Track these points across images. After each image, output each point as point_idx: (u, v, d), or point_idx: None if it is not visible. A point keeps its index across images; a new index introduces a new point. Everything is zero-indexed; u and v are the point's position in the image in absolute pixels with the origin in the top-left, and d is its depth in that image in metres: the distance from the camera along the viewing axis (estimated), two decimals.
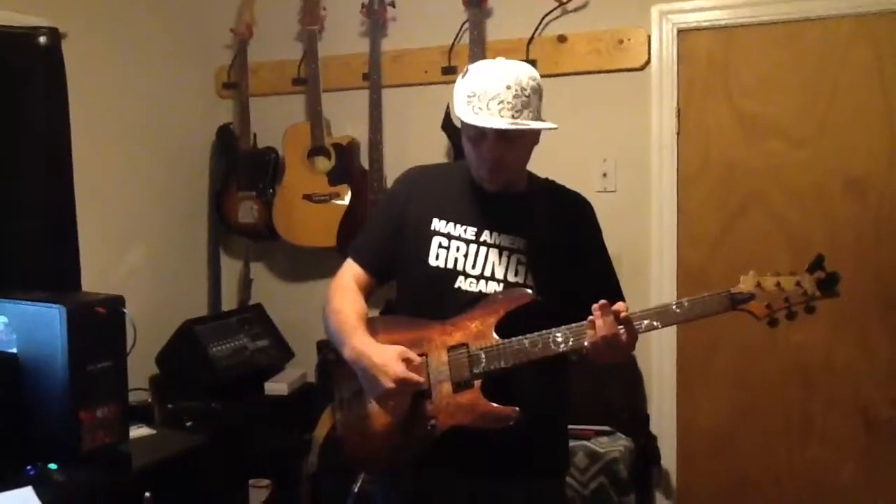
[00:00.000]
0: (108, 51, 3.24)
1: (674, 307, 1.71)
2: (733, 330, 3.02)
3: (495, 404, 1.75)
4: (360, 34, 3.48)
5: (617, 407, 3.00)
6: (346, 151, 3.44)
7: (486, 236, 1.85)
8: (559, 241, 1.86)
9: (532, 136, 1.83)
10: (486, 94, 1.72)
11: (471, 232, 1.86)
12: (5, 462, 2.18)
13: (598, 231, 1.97)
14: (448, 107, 3.16)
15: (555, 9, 3.18)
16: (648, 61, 3.10)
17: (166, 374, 3.34)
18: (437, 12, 3.35)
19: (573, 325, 1.72)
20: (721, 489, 3.14)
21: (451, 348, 1.79)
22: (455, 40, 3.30)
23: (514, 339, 1.75)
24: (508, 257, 1.84)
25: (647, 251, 3.15)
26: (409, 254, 1.90)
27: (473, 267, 1.84)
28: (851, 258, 2.89)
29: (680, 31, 3.07)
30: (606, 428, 2.89)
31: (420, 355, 1.80)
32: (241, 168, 3.63)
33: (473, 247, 1.85)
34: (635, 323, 1.68)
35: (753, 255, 2.99)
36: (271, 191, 3.57)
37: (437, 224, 1.88)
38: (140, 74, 3.39)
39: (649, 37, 3.09)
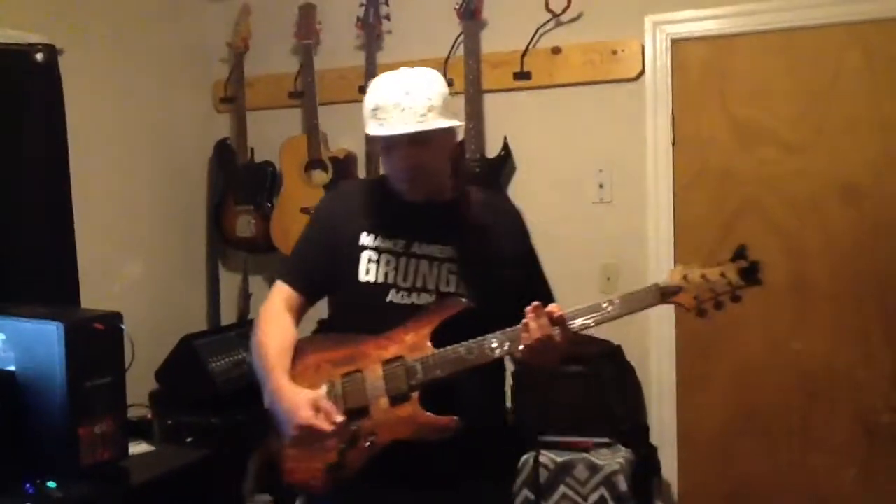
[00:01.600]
0: (105, 67, 3.26)
1: (604, 304, 1.71)
2: (733, 338, 3.02)
3: (434, 415, 1.73)
4: (355, 47, 3.50)
5: (617, 418, 2.99)
6: (343, 164, 3.45)
7: (415, 247, 1.84)
8: (488, 247, 1.85)
9: (444, 138, 1.82)
10: (387, 103, 1.73)
11: (400, 244, 1.85)
12: (3, 479, 2.17)
13: (527, 235, 1.96)
14: None
15: (549, 21, 3.20)
16: (643, 72, 3.11)
17: (166, 389, 3.34)
18: (431, 25, 3.37)
19: (507, 329, 1.71)
20: (722, 499, 3.12)
21: (386, 362, 1.77)
22: (450, 53, 3.31)
23: (449, 347, 1.74)
24: (439, 267, 1.83)
25: (645, 261, 3.14)
26: (339, 271, 1.88)
27: (405, 279, 1.83)
28: (849, 265, 2.89)
29: (674, 41, 3.08)
30: (606, 440, 2.87)
31: (355, 372, 1.79)
32: (238, 182, 3.64)
33: (403, 259, 1.84)
34: (568, 322, 1.68)
35: None
36: (269, 204, 3.58)
37: (366, 239, 1.87)
38: (137, 89, 3.41)
39: (643, 47, 3.10)
